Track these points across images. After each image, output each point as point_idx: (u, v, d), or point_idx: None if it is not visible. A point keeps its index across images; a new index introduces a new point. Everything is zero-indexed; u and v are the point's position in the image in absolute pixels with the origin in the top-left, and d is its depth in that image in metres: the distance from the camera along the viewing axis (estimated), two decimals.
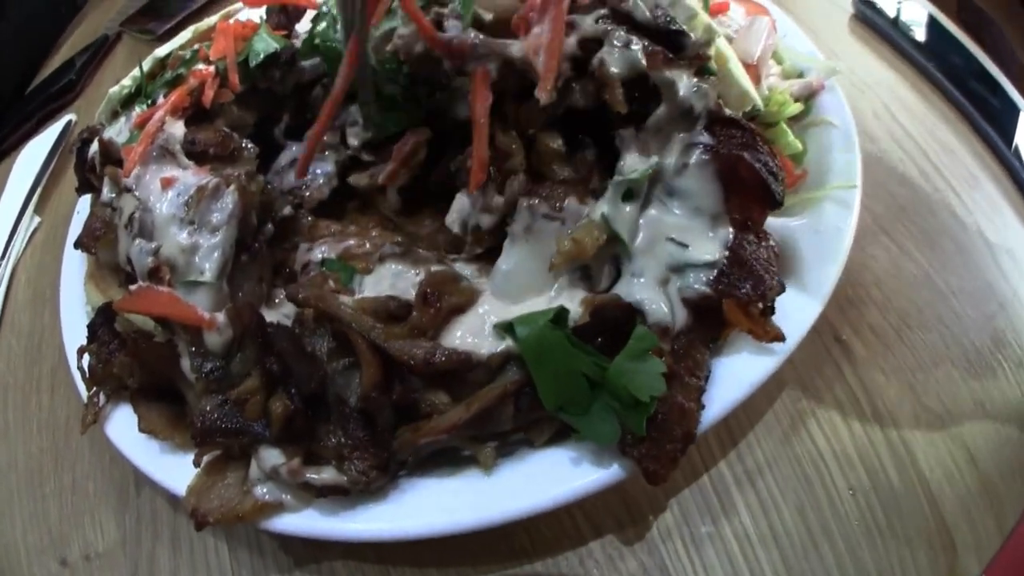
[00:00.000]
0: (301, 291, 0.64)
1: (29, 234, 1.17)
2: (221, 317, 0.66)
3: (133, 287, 0.70)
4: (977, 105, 0.94)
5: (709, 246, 0.64)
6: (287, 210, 0.78)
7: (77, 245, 0.85)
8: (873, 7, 1.08)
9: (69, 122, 1.28)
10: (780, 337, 0.64)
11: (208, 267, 0.69)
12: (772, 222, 0.71)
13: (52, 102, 1.37)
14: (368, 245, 0.65)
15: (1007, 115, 0.92)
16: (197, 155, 0.78)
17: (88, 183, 0.87)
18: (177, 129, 0.78)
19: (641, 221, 0.64)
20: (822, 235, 0.72)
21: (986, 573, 0.63)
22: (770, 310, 0.65)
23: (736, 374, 0.66)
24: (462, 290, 0.61)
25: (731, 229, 0.65)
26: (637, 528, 0.72)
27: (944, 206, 0.87)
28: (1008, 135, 0.91)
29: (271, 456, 0.66)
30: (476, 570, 0.73)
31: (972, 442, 0.72)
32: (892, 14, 1.06)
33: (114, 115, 0.88)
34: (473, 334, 0.61)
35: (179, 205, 0.70)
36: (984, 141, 0.92)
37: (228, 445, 0.67)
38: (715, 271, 0.63)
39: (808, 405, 0.76)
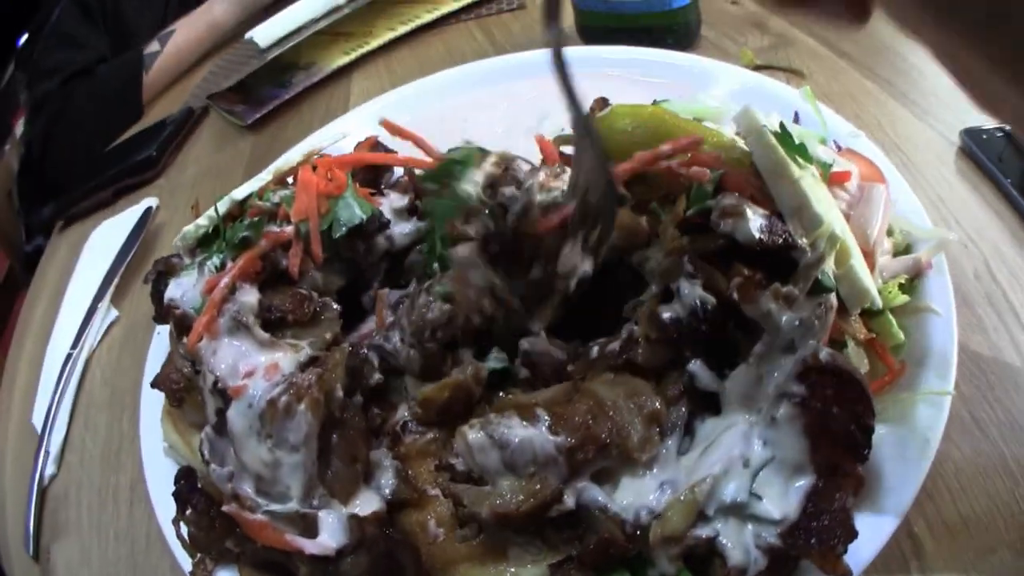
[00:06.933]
0: None
1: (105, 327, 1.18)
2: (333, 540, 0.67)
3: (228, 510, 0.71)
4: None
5: (785, 501, 0.61)
6: (376, 377, 0.76)
7: (154, 386, 0.85)
8: (979, 141, 1.01)
9: (149, 209, 1.28)
10: (848, 574, 0.63)
11: (293, 485, 0.69)
12: None
13: (131, 175, 1.36)
14: None
15: None
16: (274, 323, 0.77)
17: (164, 316, 0.87)
18: (250, 296, 0.77)
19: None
20: (908, 449, 0.70)
21: None
22: (843, 551, 0.64)
23: None
24: None
25: (814, 477, 0.62)
26: None
27: None
28: None
29: None
30: None
31: None
32: (999, 149, 0.99)
33: (191, 253, 0.87)
34: None
35: (253, 418, 0.69)
36: None
37: None
38: (788, 525, 0.61)
39: None
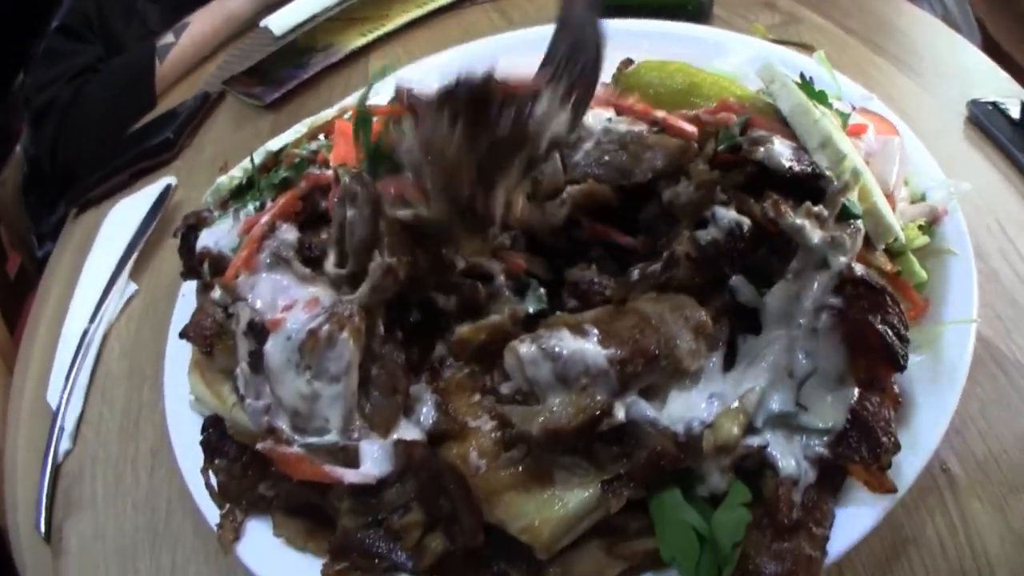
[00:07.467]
0: None
1: (125, 300, 1.17)
2: (376, 469, 0.66)
3: (263, 447, 0.70)
4: None
5: (830, 411, 0.63)
6: (415, 315, 0.76)
7: (183, 336, 0.85)
8: (986, 111, 1.05)
9: (168, 187, 1.28)
10: (893, 489, 0.65)
11: (332, 417, 0.68)
12: None
13: (147, 158, 1.36)
14: None
15: None
16: (314, 261, 0.77)
17: (194, 270, 0.87)
18: (290, 234, 0.78)
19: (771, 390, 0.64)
20: (938, 375, 0.72)
21: None
22: (887, 465, 0.65)
23: (851, 519, 0.66)
24: None
25: (855, 389, 0.64)
26: None
27: None
28: None
29: None
30: None
31: None
32: (1006, 119, 1.03)
33: (223, 206, 0.88)
34: None
35: (292, 350, 0.69)
36: None
37: (363, 567, 0.67)
38: (835, 434, 0.63)
39: (911, 533, 0.74)
